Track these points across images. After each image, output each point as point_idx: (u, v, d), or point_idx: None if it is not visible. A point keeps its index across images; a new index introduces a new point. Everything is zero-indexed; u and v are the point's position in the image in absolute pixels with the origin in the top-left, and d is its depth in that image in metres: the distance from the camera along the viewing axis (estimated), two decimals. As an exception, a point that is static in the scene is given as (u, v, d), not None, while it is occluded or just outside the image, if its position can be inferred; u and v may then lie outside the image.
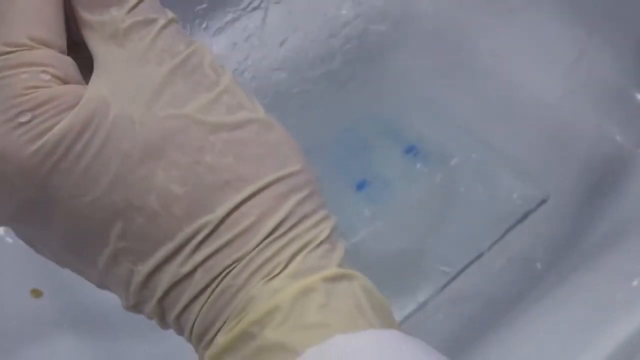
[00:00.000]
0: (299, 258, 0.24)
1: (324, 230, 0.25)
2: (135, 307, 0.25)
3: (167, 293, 0.24)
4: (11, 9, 0.24)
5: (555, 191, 0.58)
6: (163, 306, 0.24)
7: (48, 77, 0.23)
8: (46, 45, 0.24)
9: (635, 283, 0.53)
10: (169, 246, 0.23)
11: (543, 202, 0.57)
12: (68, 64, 0.24)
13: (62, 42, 0.24)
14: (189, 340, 0.25)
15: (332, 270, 0.24)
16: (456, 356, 0.51)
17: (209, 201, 0.23)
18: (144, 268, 0.24)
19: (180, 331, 0.25)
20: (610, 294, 0.52)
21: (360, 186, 0.56)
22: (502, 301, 0.54)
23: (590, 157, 0.59)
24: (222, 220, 0.23)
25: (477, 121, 0.60)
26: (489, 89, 0.61)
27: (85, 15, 0.24)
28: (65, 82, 0.24)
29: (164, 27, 0.25)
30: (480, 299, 0.54)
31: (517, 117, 0.60)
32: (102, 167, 0.23)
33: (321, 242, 0.24)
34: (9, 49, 0.23)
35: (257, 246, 0.24)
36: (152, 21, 0.24)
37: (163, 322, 0.25)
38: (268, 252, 0.24)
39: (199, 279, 0.24)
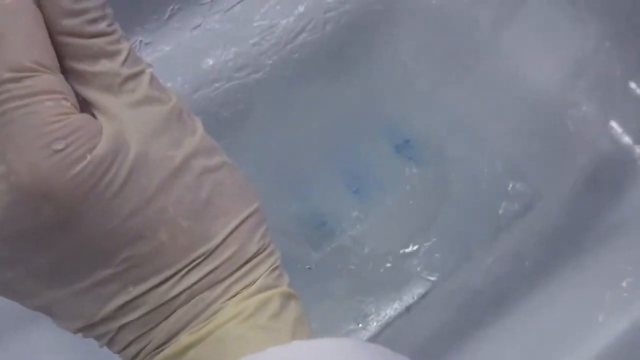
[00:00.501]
0: (261, 278, 0.28)
1: (277, 258, 0.29)
2: (92, 326, 0.26)
3: (148, 313, 0.26)
4: (8, 32, 0.23)
5: (548, 189, 0.57)
6: (136, 324, 0.26)
7: (69, 104, 0.24)
8: (50, 70, 0.24)
9: (624, 283, 0.53)
10: (166, 273, 0.26)
11: (537, 202, 0.56)
12: (72, 92, 0.25)
13: (59, 68, 0.25)
14: (141, 355, 0.27)
15: (286, 288, 0.28)
16: (443, 352, 0.51)
17: (207, 233, 0.26)
18: (134, 290, 0.26)
19: (133, 345, 0.27)
20: (599, 293, 0.52)
21: (351, 184, 0.56)
22: (491, 298, 0.54)
23: (585, 156, 0.59)
24: (214, 250, 0.26)
25: (472, 117, 0.59)
26: (486, 85, 0.61)
27: (75, 65, 0.25)
28: (77, 108, 0.25)
29: (150, 78, 0.26)
30: (469, 295, 0.54)
31: (513, 114, 0.59)
32: (125, 198, 0.24)
33: (275, 268, 0.28)
34: (20, 75, 0.23)
35: (234, 272, 0.27)
36: (141, 73, 0.26)
37: (113, 340, 0.27)
38: (241, 274, 0.27)
39: (182, 299, 0.26)
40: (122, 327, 0.26)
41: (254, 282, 0.27)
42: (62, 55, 0.25)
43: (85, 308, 0.26)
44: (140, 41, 0.55)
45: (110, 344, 0.27)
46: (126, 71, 0.25)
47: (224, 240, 0.27)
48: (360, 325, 0.51)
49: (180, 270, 0.26)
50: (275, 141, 0.56)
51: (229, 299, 0.27)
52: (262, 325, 0.26)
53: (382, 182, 0.56)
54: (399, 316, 0.52)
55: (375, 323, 0.51)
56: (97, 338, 0.27)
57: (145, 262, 0.25)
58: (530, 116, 0.59)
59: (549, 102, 0.59)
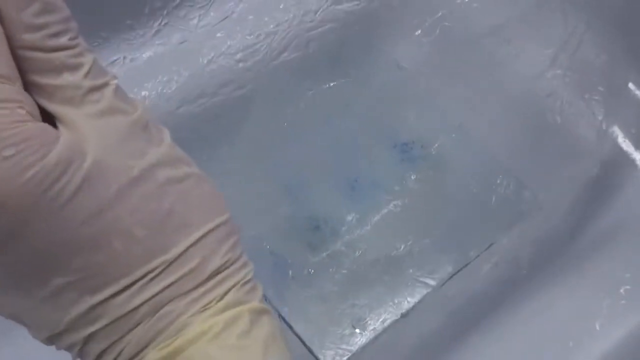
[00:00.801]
0: (230, 293, 0.27)
1: (250, 271, 0.28)
2: (59, 335, 0.26)
3: (109, 324, 0.26)
4: None
5: (547, 195, 0.57)
6: (97, 336, 0.26)
7: (24, 112, 0.24)
8: (8, 79, 0.24)
9: (622, 290, 0.53)
10: (122, 282, 0.25)
11: (535, 208, 0.56)
12: (31, 101, 0.25)
13: (19, 78, 0.25)
14: None
15: (257, 304, 0.28)
16: (439, 357, 0.50)
17: (165, 244, 0.26)
18: (91, 300, 0.25)
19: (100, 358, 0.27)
20: (597, 300, 0.52)
21: (349, 186, 0.55)
22: (487, 303, 0.54)
23: (585, 161, 0.58)
24: (173, 261, 0.26)
25: (471, 120, 0.59)
26: (487, 86, 0.60)
27: (37, 79, 0.25)
28: (33, 117, 0.25)
29: (115, 89, 0.26)
30: (465, 300, 0.54)
31: (511, 120, 0.59)
32: (78, 207, 0.24)
33: (248, 281, 0.28)
34: None
35: (198, 286, 0.27)
36: (104, 85, 0.26)
37: (82, 352, 0.26)
38: (206, 287, 0.27)
39: (143, 312, 0.26)
40: (88, 339, 0.26)
41: (221, 296, 0.27)
42: (24, 69, 0.25)
43: (48, 317, 0.26)
44: (124, 57, 0.55)
45: (81, 355, 0.27)
46: (88, 83, 0.25)
47: (185, 251, 0.26)
48: (356, 329, 0.51)
49: (137, 281, 0.25)
50: (271, 143, 0.56)
51: (197, 314, 0.26)
52: (231, 345, 0.26)
53: (380, 185, 0.56)
54: (395, 320, 0.52)
55: (370, 327, 0.51)
56: (67, 349, 0.27)
57: (100, 271, 0.25)
58: (530, 121, 0.59)
59: (548, 108, 0.59)
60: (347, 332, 0.50)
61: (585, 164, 0.58)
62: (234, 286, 0.27)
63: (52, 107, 0.25)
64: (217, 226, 0.27)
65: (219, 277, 0.27)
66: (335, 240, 0.53)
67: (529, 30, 0.60)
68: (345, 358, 0.50)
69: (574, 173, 0.58)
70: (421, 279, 0.53)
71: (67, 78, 0.25)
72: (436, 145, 0.58)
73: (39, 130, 0.24)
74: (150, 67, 0.55)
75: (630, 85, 0.59)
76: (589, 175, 0.58)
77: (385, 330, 0.51)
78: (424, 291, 0.53)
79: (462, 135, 0.59)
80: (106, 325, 0.26)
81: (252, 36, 0.58)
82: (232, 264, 0.27)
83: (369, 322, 0.51)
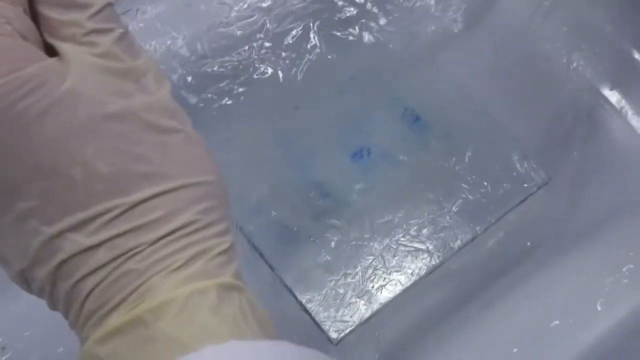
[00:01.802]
0: (200, 262, 0.26)
1: (225, 242, 0.27)
2: (30, 270, 0.26)
3: (66, 260, 0.25)
4: None
5: (554, 173, 0.57)
6: (60, 273, 0.25)
7: (9, 28, 0.25)
8: (12, 3, 0.25)
9: (625, 269, 0.53)
10: (79, 216, 0.25)
11: (545, 184, 0.56)
12: (30, 25, 0.26)
13: (26, 5, 0.26)
14: (74, 319, 0.26)
15: (227, 279, 0.26)
16: (442, 330, 0.50)
17: (128, 186, 0.25)
18: (49, 229, 0.25)
19: (67, 307, 0.26)
20: (600, 278, 0.52)
21: (357, 155, 0.55)
22: (491, 278, 0.54)
23: (593, 141, 0.58)
24: (134, 206, 0.25)
25: (481, 92, 0.58)
26: (500, 59, 0.59)
27: (46, 11, 0.26)
28: (25, 39, 0.25)
29: (120, 37, 0.27)
30: (470, 274, 0.54)
31: (525, 99, 0.58)
32: (42, 129, 0.24)
33: (221, 252, 0.27)
34: None
35: (161, 238, 0.26)
36: (108, 30, 0.26)
37: (52, 294, 0.26)
38: (171, 247, 0.26)
39: (102, 255, 0.25)
40: (53, 280, 0.26)
41: (186, 260, 0.26)
42: (36, 2, 0.26)
43: (17, 247, 0.26)
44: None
45: (52, 302, 0.26)
46: (92, 25, 0.26)
47: (149, 199, 0.26)
48: (360, 301, 0.50)
49: (95, 218, 0.25)
50: (279, 113, 0.55)
51: (160, 277, 0.25)
52: (196, 321, 0.25)
53: (388, 155, 0.55)
54: (399, 293, 0.51)
55: (374, 299, 0.51)
56: (39, 293, 0.26)
57: (58, 199, 0.25)
58: (540, 100, 0.58)
59: (559, 87, 0.58)
60: (351, 302, 0.50)
61: (595, 142, 0.58)
62: (202, 253, 0.26)
63: (52, 40, 0.26)
64: (195, 184, 0.27)
65: (186, 239, 0.26)
66: (340, 210, 0.53)
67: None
68: (349, 329, 0.49)
69: (583, 153, 0.57)
70: (426, 253, 0.53)
71: (72, 15, 0.26)
72: (448, 117, 0.57)
73: (19, 46, 0.25)
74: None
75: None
76: (596, 154, 0.58)
77: (389, 302, 0.51)
78: (428, 265, 0.52)
79: (476, 108, 0.58)
80: (65, 261, 0.25)
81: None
82: (203, 228, 0.26)
83: (373, 294, 0.51)
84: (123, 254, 0.25)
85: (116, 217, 0.25)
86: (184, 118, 0.28)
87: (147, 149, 0.26)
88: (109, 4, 0.27)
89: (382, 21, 0.59)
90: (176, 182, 0.26)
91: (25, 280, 0.27)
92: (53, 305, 0.27)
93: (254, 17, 0.56)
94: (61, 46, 0.26)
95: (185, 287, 0.25)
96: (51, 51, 0.26)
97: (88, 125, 0.25)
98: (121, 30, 0.27)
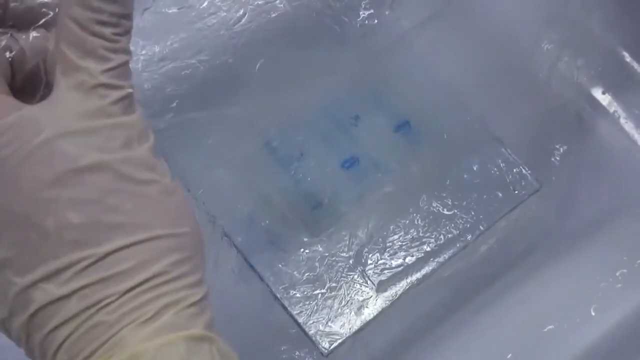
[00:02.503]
0: (170, 313, 0.26)
1: (197, 293, 0.27)
2: (8, 320, 0.26)
3: (39, 311, 0.25)
4: None
5: (546, 177, 0.57)
6: (33, 324, 0.26)
7: None
8: None
9: (618, 274, 0.53)
10: (51, 266, 0.25)
11: (536, 191, 0.56)
12: (3, 77, 0.26)
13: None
14: None
15: (198, 331, 0.26)
16: (434, 335, 0.50)
17: (99, 236, 0.26)
18: (22, 280, 0.25)
19: (42, 357, 0.26)
20: (593, 282, 0.52)
21: (348, 164, 0.54)
22: (484, 283, 0.54)
23: (585, 144, 0.58)
24: (105, 256, 0.25)
25: (472, 99, 0.58)
26: (489, 63, 0.59)
27: (65, 50, 0.26)
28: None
29: (125, 96, 0.27)
30: (462, 279, 0.54)
31: (515, 100, 0.58)
32: (17, 179, 0.25)
33: (193, 304, 0.27)
34: None
35: (131, 289, 0.26)
36: (117, 88, 0.26)
37: (28, 344, 0.26)
38: (141, 299, 0.26)
39: (73, 305, 0.25)
40: (28, 329, 0.26)
41: (156, 311, 0.26)
42: (59, 35, 0.26)
43: None
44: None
45: (28, 352, 0.26)
46: (103, 79, 0.26)
47: (120, 249, 0.26)
48: (351, 311, 0.50)
49: (67, 268, 0.25)
50: (269, 120, 0.55)
51: (129, 330, 0.25)
52: None
53: (380, 164, 0.55)
54: (391, 302, 0.51)
55: (365, 309, 0.51)
56: (17, 341, 0.27)
57: (31, 249, 0.25)
58: (531, 104, 0.58)
59: (550, 92, 0.58)
60: (341, 314, 0.50)
61: (586, 146, 0.58)
62: (173, 304, 0.26)
63: (58, 74, 0.26)
64: (168, 235, 0.27)
65: (156, 290, 0.26)
66: (331, 220, 0.53)
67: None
68: (339, 341, 0.49)
69: (575, 156, 0.57)
70: (417, 261, 0.53)
71: (89, 63, 0.26)
72: (439, 123, 0.57)
73: None
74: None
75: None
76: (587, 157, 0.58)
77: (379, 313, 0.51)
78: (420, 273, 0.52)
79: (467, 114, 0.58)
80: (38, 311, 0.25)
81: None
82: (174, 279, 0.26)
83: (364, 304, 0.51)
84: (94, 305, 0.25)
85: (87, 267, 0.25)
86: (163, 170, 0.28)
87: (120, 199, 0.26)
88: (127, 62, 0.27)
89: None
90: (149, 233, 0.26)
91: (4, 328, 0.27)
92: (30, 354, 0.27)
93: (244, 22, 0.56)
94: (61, 84, 0.26)
95: (154, 340, 0.25)
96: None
97: (61, 177, 0.25)
98: (129, 90, 0.27)
